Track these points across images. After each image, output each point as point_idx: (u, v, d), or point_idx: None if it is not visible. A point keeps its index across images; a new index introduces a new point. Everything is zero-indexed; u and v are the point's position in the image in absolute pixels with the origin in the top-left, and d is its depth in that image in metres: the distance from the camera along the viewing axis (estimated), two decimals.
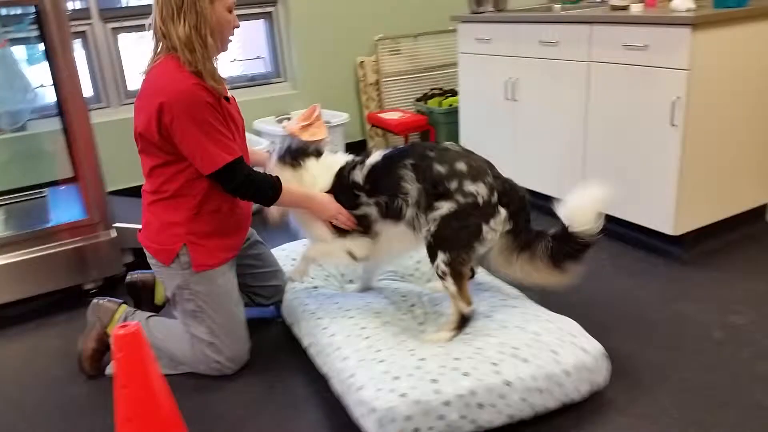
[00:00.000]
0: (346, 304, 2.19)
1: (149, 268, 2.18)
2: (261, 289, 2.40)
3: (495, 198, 1.97)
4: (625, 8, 2.88)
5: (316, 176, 2.15)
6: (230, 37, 2.04)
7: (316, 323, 2.12)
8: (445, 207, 1.96)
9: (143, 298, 2.45)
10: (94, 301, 2.23)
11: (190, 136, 1.89)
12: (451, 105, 4.15)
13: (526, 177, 3.44)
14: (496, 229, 1.99)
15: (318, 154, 2.20)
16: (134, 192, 3.62)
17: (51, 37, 2.50)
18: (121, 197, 3.40)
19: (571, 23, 2.95)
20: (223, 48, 2.03)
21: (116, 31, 3.77)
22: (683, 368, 2.03)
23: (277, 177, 2.05)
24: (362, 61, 4.35)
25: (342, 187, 2.12)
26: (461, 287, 2.02)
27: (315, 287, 2.39)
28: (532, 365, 1.78)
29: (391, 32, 4.39)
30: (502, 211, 1.99)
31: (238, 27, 2.04)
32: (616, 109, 2.82)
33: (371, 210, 2.09)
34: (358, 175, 2.09)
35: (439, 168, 1.98)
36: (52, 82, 2.91)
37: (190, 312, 2.09)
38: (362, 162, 2.12)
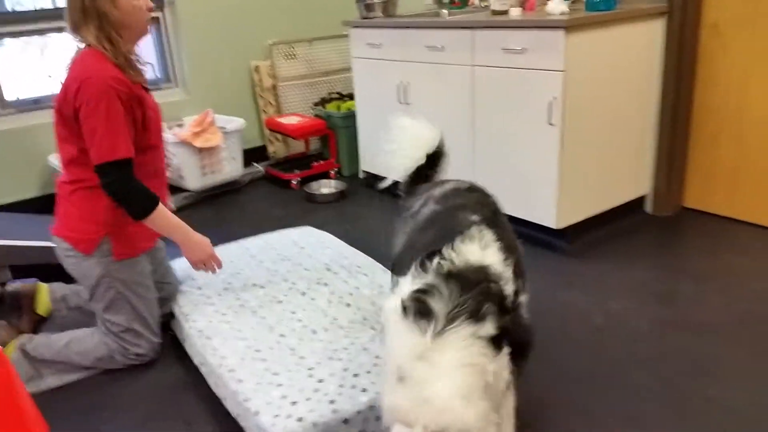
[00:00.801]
0: (238, 323, 2.14)
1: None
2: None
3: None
4: (504, 13, 3.00)
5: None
6: (145, 22, 2.07)
7: (204, 343, 2.07)
8: None
9: (24, 306, 2.35)
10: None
11: (93, 122, 1.91)
12: (349, 109, 4.18)
13: None
14: None
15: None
16: (14, 207, 3.44)
17: None
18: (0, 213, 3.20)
19: (455, 28, 3.04)
20: (141, 32, 2.08)
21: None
22: (567, 355, 2.13)
23: (156, 198, 2.02)
24: (257, 66, 4.30)
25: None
26: None
27: (209, 298, 2.33)
28: None
29: (285, 37, 4.37)
30: None
31: (151, 9, 2.09)
32: (499, 111, 2.93)
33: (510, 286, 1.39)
34: (509, 284, 1.37)
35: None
36: None
37: (110, 301, 2.12)
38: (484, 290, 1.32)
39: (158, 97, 4.02)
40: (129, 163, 1.96)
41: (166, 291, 2.36)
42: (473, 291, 1.28)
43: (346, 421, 1.68)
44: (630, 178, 3.12)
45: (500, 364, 1.28)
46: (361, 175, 4.14)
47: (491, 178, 3.08)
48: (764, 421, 1.77)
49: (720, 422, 1.78)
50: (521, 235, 3.09)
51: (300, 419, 1.66)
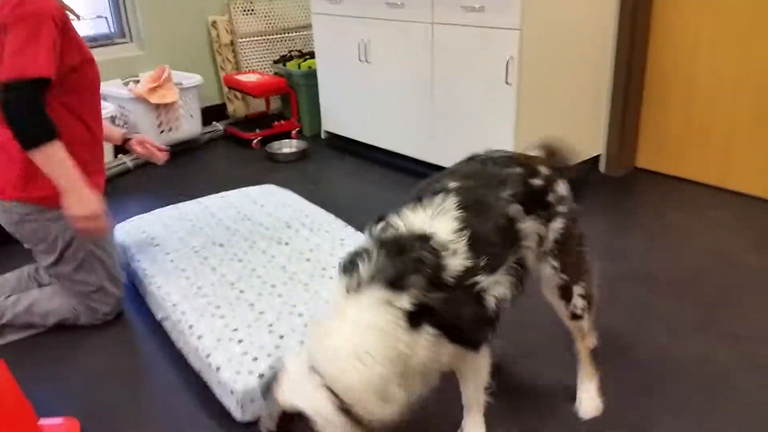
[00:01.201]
0: (198, 280, 2.14)
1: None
2: None
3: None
4: None
5: None
6: None
7: (164, 297, 2.08)
8: (553, 231, 1.48)
9: None
10: None
11: (18, 35, 1.77)
12: (310, 67, 4.13)
13: (383, 138, 3.54)
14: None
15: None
16: None
17: None
18: None
19: None
20: None
21: None
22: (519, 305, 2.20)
23: (55, 130, 1.80)
24: (214, 21, 4.21)
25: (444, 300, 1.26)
26: (592, 315, 1.68)
27: (168, 254, 2.33)
28: None
29: None
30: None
31: None
32: (458, 69, 2.95)
33: (502, 288, 1.36)
34: (455, 262, 1.27)
35: (536, 182, 1.46)
36: None
37: (82, 260, 2.08)
38: (436, 257, 1.26)
39: (112, 52, 3.98)
40: (41, 83, 1.78)
41: None
42: (401, 258, 1.25)
43: None
44: (584, 138, 3.19)
45: (418, 342, 1.23)
46: (323, 135, 4.12)
47: (449, 137, 3.12)
48: (708, 371, 1.87)
49: (666, 371, 1.88)
50: None
51: (261, 375, 1.69)
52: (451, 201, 1.34)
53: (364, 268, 1.25)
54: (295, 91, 4.11)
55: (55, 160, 1.82)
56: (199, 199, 2.78)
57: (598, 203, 3.01)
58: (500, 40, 2.71)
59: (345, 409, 1.18)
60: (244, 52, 4.36)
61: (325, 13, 3.64)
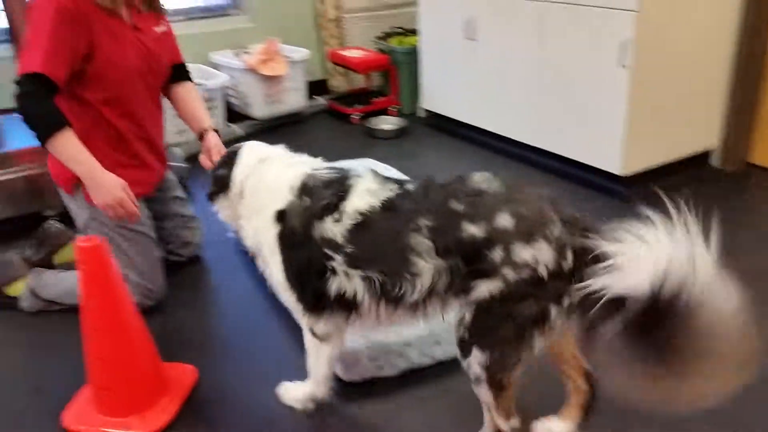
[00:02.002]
0: None
1: None
2: (174, 240, 2.38)
3: (569, 260, 1.28)
4: None
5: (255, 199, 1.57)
6: None
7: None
8: (484, 288, 1.31)
9: (46, 249, 2.31)
10: (8, 255, 2.23)
11: (29, 29, 1.84)
12: (411, 45, 4.15)
13: (485, 118, 3.53)
14: (571, 309, 1.30)
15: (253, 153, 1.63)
16: None
17: None
18: None
19: None
20: None
21: None
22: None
23: (62, 122, 1.81)
24: None
25: (296, 236, 1.45)
26: (501, 400, 1.41)
27: None
28: None
29: None
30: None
31: None
32: (569, 50, 2.89)
33: (352, 287, 1.42)
34: (334, 229, 1.41)
35: (473, 230, 1.30)
36: (2, 7, 2.82)
37: None
38: (339, 200, 1.42)
39: (224, 23, 4.14)
40: (42, 79, 1.79)
41: (186, 237, 2.40)
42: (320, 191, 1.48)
43: (408, 344, 1.79)
44: (699, 129, 3.06)
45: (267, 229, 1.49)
46: (421, 113, 4.15)
47: (556, 119, 3.07)
48: None
49: None
50: (581, 180, 3.10)
51: (365, 338, 1.77)
52: (387, 193, 1.41)
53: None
54: (396, 68, 4.15)
55: (67, 149, 1.83)
56: None
57: (708, 198, 2.89)
58: (616, 21, 2.63)
59: None
60: (349, 28, 4.42)
61: None
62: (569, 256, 1.27)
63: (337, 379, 1.78)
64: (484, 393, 1.40)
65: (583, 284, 1.21)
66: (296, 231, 1.44)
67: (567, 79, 2.94)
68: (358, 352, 1.75)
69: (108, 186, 1.85)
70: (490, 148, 3.56)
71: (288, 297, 1.54)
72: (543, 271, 1.26)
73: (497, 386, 1.38)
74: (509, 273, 1.27)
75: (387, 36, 4.39)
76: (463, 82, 3.59)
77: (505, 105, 3.34)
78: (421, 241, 1.32)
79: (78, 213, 2.06)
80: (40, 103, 1.79)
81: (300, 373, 1.72)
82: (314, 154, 1.65)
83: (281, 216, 1.47)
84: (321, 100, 4.36)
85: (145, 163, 2.16)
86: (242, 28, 4.15)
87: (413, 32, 4.34)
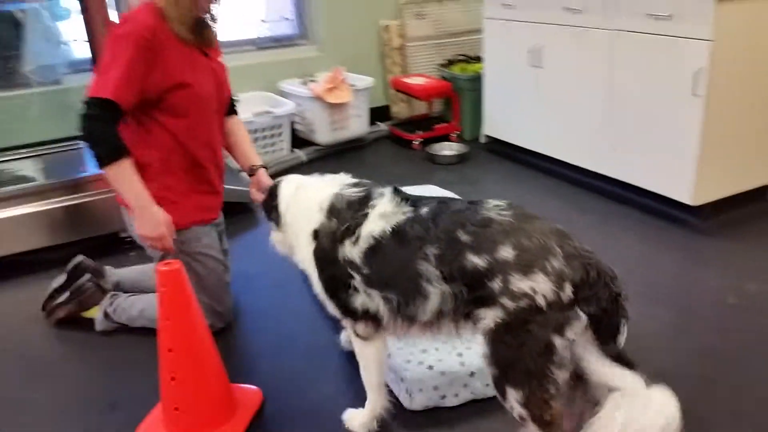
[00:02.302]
0: None
1: None
2: None
3: (568, 292, 1.31)
4: None
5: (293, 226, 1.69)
6: (212, 4, 2.01)
7: None
8: (489, 317, 1.36)
9: (74, 305, 2.30)
10: (86, 280, 2.28)
11: (105, 56, 1.90)
12: (475, 72, 4.17)
13: (549, 145, 3.50)
14: (576, 339, 1.33)
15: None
16: None
17: None
18: None
19: None
20: (198, 9, 1.99)
21: None
22: (695, 330, 2.11)
23: (123, 150, 1.87)
24: (387, 25, 4.37)
25: (326, 255, 1.58)
26: (556, 428, 1.40)
27: None
28: None
29: None
30: (581, 314, 1.31)
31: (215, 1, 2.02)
32: (640, 79, 2.85)
33: (374, 304, 1.54)
34: (353, 251, 1.52)
35: (476, 260, 1.37)
36: (87, 38, 2.98)
37: None
38: (357, 225, 1.53)
39: (293, 52, 4.27)
40: (110, 106, 1.84)
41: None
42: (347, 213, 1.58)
43: (472, 374, 1.78)
44: None
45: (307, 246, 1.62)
46: (482, 140, 4.15)
47: (626, 148, 3.01)
48: None
49: None
50: (653, 209, 3.03)
51: (430, 367, 1.77)
52: (399, 218, 1.48)
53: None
54: (458, 94, 4.17)
55: (122, 179, 1.89)
56: None
57: None
58: (689, 50, 2.58)
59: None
60: (412, 56, 4.49)
61: (497, 17, 3.66)
62: (568, 288, 1.30)
63: (401, 408, 1.78)
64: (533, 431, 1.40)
65: None
66: (326, 249, 1.57)
67: (638, 107, 2.89)
68: (422, 380, 1.75)
69: (155, 221, 1.92)
70: (553, 174, 3.53)
71: (328, 305, 1.65)
72: (541, 301, 1.30)
73: (542, 423, 1.38)
74: (507, 302, 1.33)
75: (450, 63, 4.42)
76: (528, 109, 3.58)
77: (571, 132, 3.31)
78: (429, 269, 1.41)
79: None
80: (106, 129, 1.86)
81: (363, 397, 1.73)
82: (376, 180, 1.69)
83: (316, 234, 1.59)
84: (383, 126, 4.41)
85: (216, 189, 2.22)
86: (310, 57, 4.27)
87: (476, 59, 4.37)
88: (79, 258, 2.36)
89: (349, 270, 1.52)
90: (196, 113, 2.04)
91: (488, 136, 4.07)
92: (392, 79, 4.36)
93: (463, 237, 1.39)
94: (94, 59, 2.95)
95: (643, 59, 2.81)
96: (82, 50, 3.26)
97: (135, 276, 2.43)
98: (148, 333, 2.19)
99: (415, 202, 1.53)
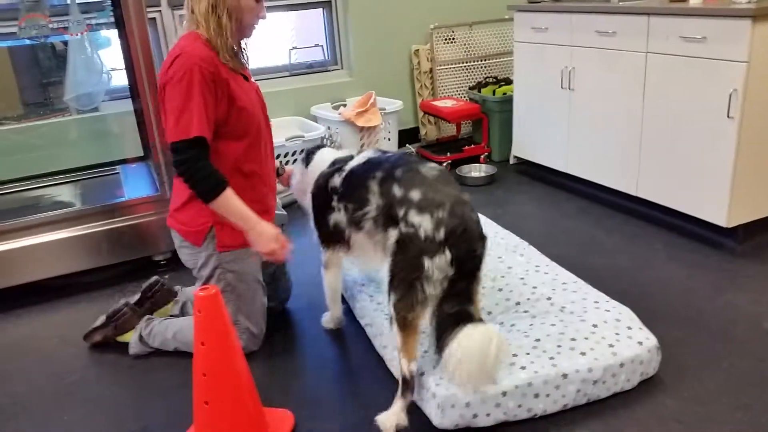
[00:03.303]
0: None
1: None
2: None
3: (441, 235, 1.72)
4: (684, 0, 2.88)
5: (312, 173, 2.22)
6: (254, 25, 2.10)
7: (376, 307, 2.23)
8: (392, 235, 1.81)
9: (148, 304, 2.39)
10: (123, 305, 2.33)
11: (172, 99, 1.93)
12: (504, 94, 4.18)
13: (580, 166, 3.49)
14: (441, 269, 1.72)
15: (316, 150, 2.32)
16: None
17: (128, 23, 2.65)
18: None
19: (628, 14, 2.96)
20: (243, 34, 2.09)
21: (183, 18, 3.93)
22: (732, 355, 2.06)
23: (223, 181, 1.97)
24: (417, 50, 4.42)
25: (320, 190, 2.13)
26: (406, 340, 1.78)
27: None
28: (590, 358, 1.85)
29: (447, 21, 4.44)
30: (447, 253, 1.72)
31: (263, 18, 2.10)
32: (673, 100, 2.83)
33: (341, 216, 2.04)
34: (337, 180, 2.06)
35: (396, 191, 1.83)
36: (125, 66, 3.07)
37: (222, 291, 2.09)
38: (343, 165, 2.08)
39: (324, 78, 4.34)
40: (200, 142, 1.93)
41: (279, 286, 2.48)
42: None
43: (504, 393, 1.76)
44: None
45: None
46: (511, 161, 4.15)
47: (658, 170, 2.99)
48: None
49: None
50: (686, 231, 2.99)
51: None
52: (370, 155, 2.04)
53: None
54: (487, 116, 4.18)
55: (229, 207, 1.98)
56: None
57: None
58: (724, 72, 2.56)
59: None
60: (441, 79, 4.52)
61: (528, 41, 3.68)
62: (442, 232, 1.73)
63: (431, 426, 1.78)
64: (394, 334, 1.79)
65: None
66: (321, 185, 2.13)
67: (670, 129, 2.87)
68: (453, 398, 1.73)
69: (265, 238, 2.03)
70: (583, 196, 3.50)
71: (315, 237, 2.21)
72: (422, 234, 1.73)
73: (403, 325, 1.76)
74: (403, 227, 1.78)
75: (479, 85, 4.44)
76: (558, 131, 3.57)
77: (602, 153, 3.29)
78: (373, 186, 1.91)
79: (204, 263, 2.13)
80: (205, 167, 1.95)
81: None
82: None
83: (319, 178, 2.16)
84: (411, 148, 4.44)
85: (268, 208, 2.24)
86: (341, 82, 4.33)
87: (506, 81, 4.39)
88: (154, 278, 2.43)
89: (332, 193, 2.07)
90: (251, 134, 2.10)
91: (517, 158, 4.07)
92: (422, 102, 4.40)
93: (397, 173, 1.87)
94: (132, 87, 3.04)
95: (676, 81, 2.79)
96: (120, 78, 3.36)
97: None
98: (180, 356, 2.23)
99: (385, 152, 2.05)
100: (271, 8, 4.07)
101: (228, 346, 1.61)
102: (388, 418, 1.80)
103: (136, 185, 3.10)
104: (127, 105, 3.24)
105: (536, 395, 1.79)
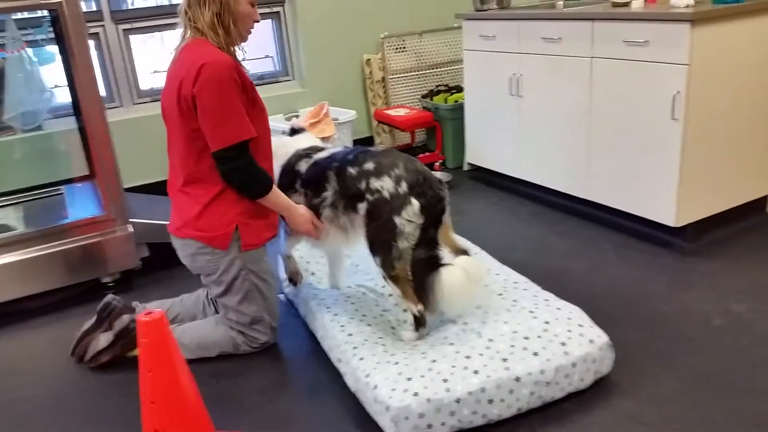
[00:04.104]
0: (362, 309, 2.26)
1: (167, 263, 2.24)
2: None
3: (404, 188, 1.96)
4: (626, 5, 2.94)
5: (285, 151, 2.36)
6: (250, 30, 2.16)
7: (332, 319, 2.20)
8: (362, 208, 2.03)
9: (107, 326, 2.32)
10: (128, 320, 2.27)
11: (212, 106, 1.97)
12: (456, 101, 4.21)
13: (531, 171, 3.53)
14: (412, 220, 1.95)
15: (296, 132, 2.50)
16: (148, 189, 3.73)
17: (68, 39, 2.57)
18: (135, 194, 3.48)
19: (573, 20, 3.01)
20: (243, 38, 2.16)
21: (127, 32, 3.84)
22: (685, 355, 2.09)
23: (270, 178, 2.12)
24: (369, 59, 4.41)
25: (290, 167, 2.30)
26: (404, 290, 2.04)
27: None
28: (542, 359, 1.85)
29: (397, 30, 4.45)
30: (415, 202, 1.95)
31: (258, 21, 2.17)
32: (618, 104, 2.88)
33: (301, 199, 2.23)
34: (303, 166, 2.23)
35: (351, 171, 2.05)
36: (67, 83, 2.99)
37: (246, 292, 2.19)
38: (314, 154, 2.25)
39: (276, 89, 4.29)
40: (245, 146, 2.02)
41: None
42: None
43: (458, 400, 1.75)
44: (753, 177, 2.98)
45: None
46: (466, 168, 4.17)
47: (607, 173, 3.03)
48: None
49: None
50: (637, 232, 3.05)
51: (416, 394, 1.74)
52: (335, 150, 2.24)
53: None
54: (440, 124, 4.20)
55: (276, 199, 2.14)
56: None
57: (765, 247, 2.79)
58: (667, 75, 2.62)
59: None
60: (394, 88, 4.53)
61: (477, 49, 3.71)
62: (404, 185, 1.97)
63: None
64: (392, 288, 2.07)
65: None
66: (291, 163, 2.27)
67: (618, 133, 2.92)
68: (406, 409, 1.71)
69: (303, 220, 2.20)
70: (536, 200, 3.54)
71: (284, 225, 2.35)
72: (386, 194, 1.97)
73: (395, 279, 2.03)
74: (369, 196, 2.00)
75: (431, 94, 4.46)
76: (509, 137, 3.61)
77: (551, 158, 3.33)
78: (331, 175, 2.11)
79: (227, 267, 2.15)
80: (257, 167, 2.07)
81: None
82: None
83: (293, 156, 2.29)
84: None
85: (269, 214, 2.24)
86: (293, 93, 4.29)
87: (457, 89, 4.42)
88: (108, 298, 2.36)
89: (296, 176, 2.23)
90: (264, 130, 2.17)
91: (471, 164, 4.10)
92: (375, 111, 4.39)
93: (349, 157, 2.09)
94: (75, 104, 2.95)
95: (621, 85, 2.84)
96: (63, 95, 3.26)
97: (189, 305, 2.46)
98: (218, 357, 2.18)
99: (349, 148, 2.23)
100: None
101: (176, 372, 1.55)
102: (409, 335, 2.07)
103: (81, 205, 3.00)
104: (72, 122, 3.15)
105: (490, 401, 1.78)
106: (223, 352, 2.28)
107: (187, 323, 2.35)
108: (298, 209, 2.19)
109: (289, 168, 2.28)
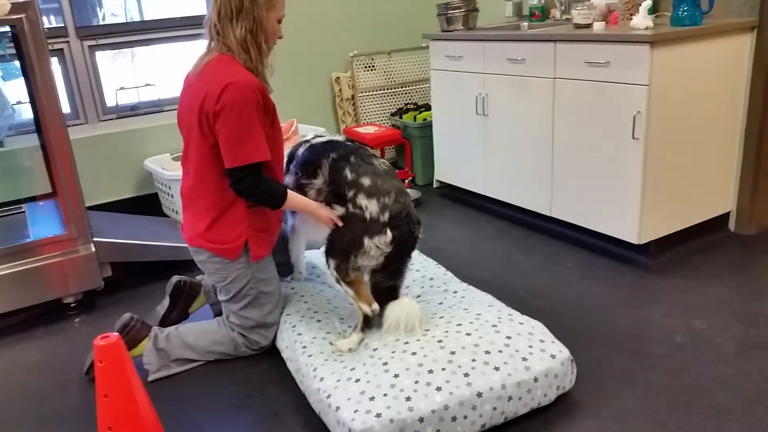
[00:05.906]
0: (326, 326, 2.25)
1: (130, 283, 2.23)
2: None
3: (385, 218, 2.04)
4: (588, 26, 3.00)
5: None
6: (273, 46, 2.20)
7: (296, 338, 2.18)
8: (339, 210, 2.12)
9: (182, 303, 2.49)
10: (128, 317, 2.28)
11: (232, 126, 1.99)
12: (425, 119, 4.25)
13: (497, 189, 3.56)
14: (380, 247, 2.04)
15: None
16: (113, 207, 3.68)
17: (28, 55, 2.54)
18: (99, 212, 3.43)
19: (536, 41, 3.07)
20: (268, 52, 2.18)
21: (93, 48, 3.80)
22: (648, 372, 2.12)
23: (284, 187, 2.15)
24: (338, 77, 4.43)
25: (291, 153, 2.39)
26: (357, 290, 2.12)
27: (302, 296, 2.47)
28: (503, 373, 1.86)
29: (366, 49, 4.48)
30: (389, 233, 2.03)
31: (281, 38, 2.20)
32: (581, 123, 2.93)
33: (290, 179, 2.30)
34: (302, 150, 2.32)
35: (348, 174, 2.10)
36: (29, 99, 2.94)
37: (252, 299, 2.25)
38: (313, 140, 2.33)
39: None
40: (262, 165, 2.07)
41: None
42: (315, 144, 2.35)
43: (421, 419, 1.74)
44: (714, 194, 3.06)
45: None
46: (435, 185, 4.20)
47: (571, 191, 3.08)
48: None
49: None
50: (600, 249, 3.09)
51: (378, 415, 1.72)
52: (335, 137, 2.32)
53: None
54: (409, 141, 4.23)
55: (294, 203, 2.19)
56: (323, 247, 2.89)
57: (728, 263, 2.85)
58: (627, 95, 2.68)
59: None
60: (363, 106, 4.55)
61: (444, 69, 3.76)
62: (386, 215, 2.04)
63: None
64: (344, 289, 2.15)
65: None
66: (293, 153, 2.35)
67: (581, 151, 2.98)
68: (370, 431, 1.70)
69: (323, 211, 2.17)
70: (503, 217, 3.58)
71: None
72: (368, 216, 2.04)
73: (348, 283, 2.11)
74: (350, 207, 2.08)
75: (400, 111, 4.49)
76: (475, 155, 3.64)
77: (517, 176, 3.37)
78: (325, 164, 2.16)
79: (236, 277, 2.20)
80: (268, 183, 2.11)
81: None
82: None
83: (296, 145, 2.38)
84: None
85: (275, 225, 2.33)
86: None
87: (426, 107, 4.45)
88: (176, 278, 2.48)
89: (292, 158, 2.32)
90: (277, 150, 2.22)
91: (440, 182, 4.13)
92: (345, 129, 4.40)
93: (352, 159, 2.13)
94: (36, 120, 2.90)
95: (583, 105, 2.90)
96: (26, 111, 3.20)
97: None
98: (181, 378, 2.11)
99: (348, 140, 2.29)
100: (178, 38, 4.01)
101: (134, 395, 1.53)
102: (343, 342, 2.10)
103: (43, 224, 2.94)
104: (35, 139, 3.09)
105: (454, 418, 1.77)
106: (223, 355, 2.31)
107: (189, 324, 2.37)
108: (316, 209, 2.19)
109: (292, 153, 2.36)
